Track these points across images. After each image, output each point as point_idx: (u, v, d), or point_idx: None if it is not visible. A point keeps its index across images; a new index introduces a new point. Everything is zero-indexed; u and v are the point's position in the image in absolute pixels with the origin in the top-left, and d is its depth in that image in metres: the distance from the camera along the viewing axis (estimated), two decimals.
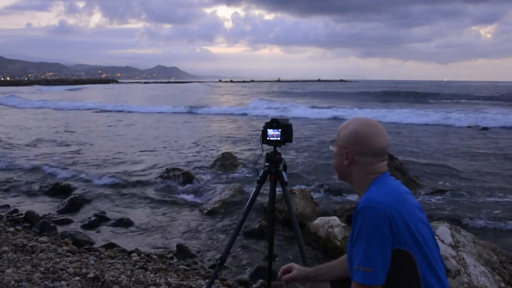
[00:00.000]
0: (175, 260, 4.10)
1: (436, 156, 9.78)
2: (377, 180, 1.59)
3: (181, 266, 3.93)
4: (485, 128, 15.43)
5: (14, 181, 7.10)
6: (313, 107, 24.51)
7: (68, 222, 5.17)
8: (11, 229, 4.57)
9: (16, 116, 20.42)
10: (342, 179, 1.70)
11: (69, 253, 3.91)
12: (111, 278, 3.26)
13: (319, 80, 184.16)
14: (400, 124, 16.98)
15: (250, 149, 10.70)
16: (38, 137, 12.53)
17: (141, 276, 3.43)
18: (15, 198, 6.15)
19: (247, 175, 7.74)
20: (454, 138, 13.09)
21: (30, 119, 19.12)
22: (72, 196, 6.10)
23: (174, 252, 4.31)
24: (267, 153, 2.81)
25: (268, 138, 2.78)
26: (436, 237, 1.68)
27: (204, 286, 3.32)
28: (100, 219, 5.25)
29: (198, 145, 11.35)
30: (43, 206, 5.76)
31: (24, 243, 3.93)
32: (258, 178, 2.80)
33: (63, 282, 3.14)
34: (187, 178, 7.06)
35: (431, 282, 1.49)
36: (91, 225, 5.07)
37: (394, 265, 1.44)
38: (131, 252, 4.23)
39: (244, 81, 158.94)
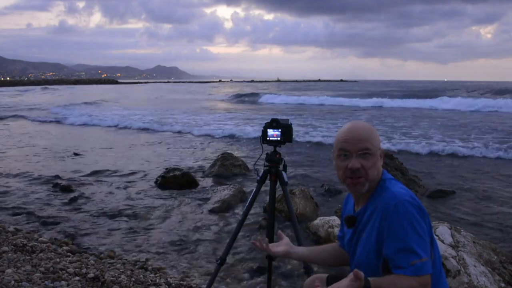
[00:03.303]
0: (175, 260, 4.10)
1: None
2: (384, 176, 1.61)
3: (181, 266, 3.94)
4: None
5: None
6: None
7: (68, 221, 5.17)
8: (11, 229, 4.57)
9: None
10: (365, 188, 1.58)
11: (69, 253, 3.91)
12: (111, 278, 3.26)
13: (319, 80, 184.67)
14: None
15: (250, 149, 10.70)
16: None
17: (141, 276, 3.43)
18: (15, 197, 6.14)
19: (247, 175, 7.75)
20: None
21: None
22: (72, 196, 6.12)
23: (174, 252, 4.31)
24: (267, 153, 2.81)
25: (268, 138, 2.78)
26: (435, 237, 1.70)
27: (204, 286, 3.32)
28: (100, 218, 5.25)
29: None
30: (43, 205, 5.75)
31: (24, 243, 3.93)
32: (258, 178, 2.81)
33: (63, 282, 3.14)
34: (187, 178, 7.06)
35: (438, 275, 1.52)
36: (91, 224, 5.07)
37: None
38: (131, 252, 4.23)
39: (244, 81, 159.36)
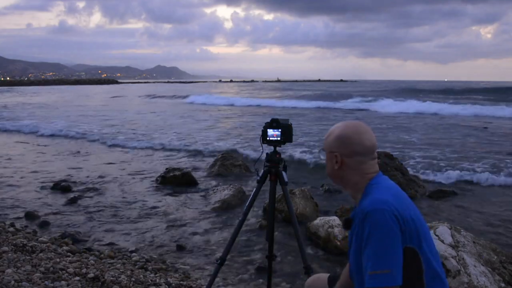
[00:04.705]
0: (175, 260, 4.10)
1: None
2: (374, 180, 1.59)
3: (181, 266, 3.94)
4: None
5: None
6: None
7: (68, 221, 5.17)
8: (11, 229, 4.56)
9: None
10: (337, 183, 1.71)
11: (69, 253, 3.91)
12: (111, 278, 3.26)
13: (319, 80, 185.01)
14: None
15: (250, 149, 10.69)
16: None
17: (141, 276, 3.43)
18: (15, 197, 6.14)
19: (247, 175, 7.74)
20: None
21: None
22: (72, 196, 6.12)
23: (174, 252, 4.31)
24: (267, 153, 2.81)
25: (268, 138, 2.78)
26: (435, 237, 1.68)
27: (204, 286, 3.32)
28: (100, 219, 5.25)
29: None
30: (43, 205, 5.75)
31: (24, 243, 3.92)
32: (258, 178, 2.80)
33: (63, 282, 3.14)
34: (187, 178, 7.06)
35: (434, 279, 1.50)
36: (91, 224, 5.07)
37: (403, 264, 1.43)
38: (131, 252, 4.23)
39: (244, 81, 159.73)
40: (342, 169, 1.62)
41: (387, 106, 24.83)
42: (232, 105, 30.04)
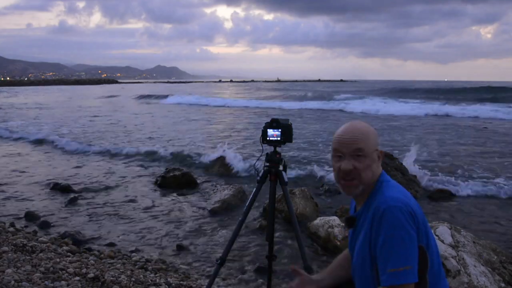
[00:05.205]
0: (175, 260, 4.10)
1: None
2: (382, 178, 1.58)
3: (181, 266, 3.94)
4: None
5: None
6: None
7: (68, 221, 5.17)
8: (11, 229, 4.56)
9: None
10: (364, 190, 1.57)
11: (69, 253, 3.91)
12: (111, 278, 3.26)
13: (319, 80, 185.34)
14: None
15: (250, 149, 10.69)
16: None
17: (141, 276, 3.43)
18: (15, 197, 6.14)
19: (247, 175, 7.74)
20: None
21: None
22: (72, 196, 6.11)
23: (174, 252, 4.31)
24: (267, 153, 2.81)
25: (268, 138, 2.78)
26: (435, 237, 1.69)
27: (204, 286, 3.32)
28: (100, 219, 5.25)
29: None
30: (43, 206, 5.75)
31: (24, 243, 3.92)
32: (258, 178, 2.80)
33: (63, 282, 3.14)
34: (187, 178, 7.06)
35: (435, 277, 1.50)
36: (91, 224, 5.06)
37: None
38: (131, 252, 4.23)
39: (244, 81, 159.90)
40: (378, 168, 1.58)
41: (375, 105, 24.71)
42: (206, 105, 29.80)
